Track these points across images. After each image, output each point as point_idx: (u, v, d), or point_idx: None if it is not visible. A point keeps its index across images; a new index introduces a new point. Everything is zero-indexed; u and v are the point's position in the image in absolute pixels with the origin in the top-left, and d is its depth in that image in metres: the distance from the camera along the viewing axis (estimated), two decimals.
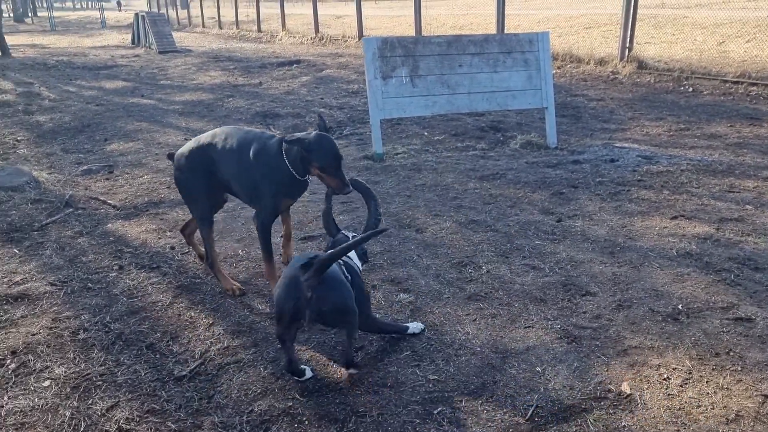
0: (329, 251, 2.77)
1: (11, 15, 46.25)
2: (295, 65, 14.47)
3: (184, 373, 2.98)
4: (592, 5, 18.51)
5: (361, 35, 18.87)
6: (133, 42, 23.54)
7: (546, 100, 7.04)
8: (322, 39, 20.38)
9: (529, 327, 3.30)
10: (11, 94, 11.49)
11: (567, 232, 4.49)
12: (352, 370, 2.93)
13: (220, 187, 3.77)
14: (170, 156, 3.86)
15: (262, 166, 3.47)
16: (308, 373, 2.91)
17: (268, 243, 3.64)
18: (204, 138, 3.73)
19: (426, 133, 7.79)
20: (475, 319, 3.39)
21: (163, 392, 2.86)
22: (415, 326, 3.26)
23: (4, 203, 5.29)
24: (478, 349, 3.10)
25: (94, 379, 2.97)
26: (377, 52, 6.47)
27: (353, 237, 3.21)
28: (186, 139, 7.91)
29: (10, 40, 22.45)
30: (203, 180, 3.70)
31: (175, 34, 22.70)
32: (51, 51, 21.23)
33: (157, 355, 3.16)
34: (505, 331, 3.27)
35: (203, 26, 33.36)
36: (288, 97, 10.70)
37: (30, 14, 51.66)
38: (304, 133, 3.41)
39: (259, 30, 25.63)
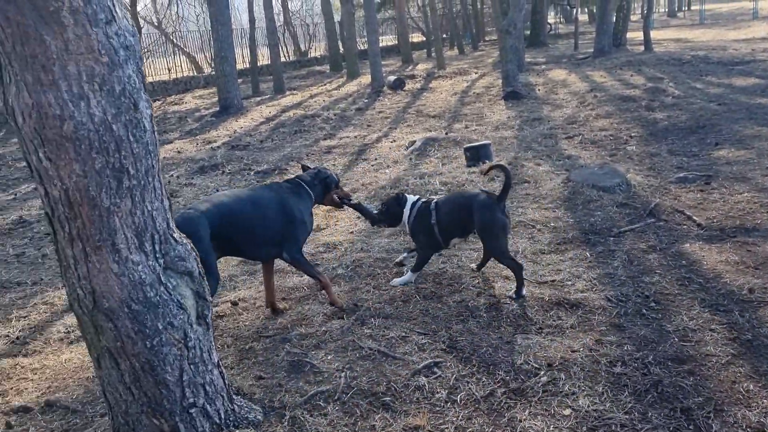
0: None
1: (666, 10, 48.08)
2: None
3: None
4: None
5: None
6: None
7: None
8: None
9: None
10: (639, 89, 11.84)
11: None
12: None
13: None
14: None
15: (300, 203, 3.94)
16: None
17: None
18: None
19: None
20: None
21: None
22: None
23: (593, 203, 5.39)
24: None
25: (612, 427, 2.66)
26: None
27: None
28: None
29: (657, 35, 23.34)
30: None
31: None
32: (691, 45, 21.07)
33: (691, 427, 2.61)
34: None
35: None
36: None
37: (684, 8, 52.66)
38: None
39: None
